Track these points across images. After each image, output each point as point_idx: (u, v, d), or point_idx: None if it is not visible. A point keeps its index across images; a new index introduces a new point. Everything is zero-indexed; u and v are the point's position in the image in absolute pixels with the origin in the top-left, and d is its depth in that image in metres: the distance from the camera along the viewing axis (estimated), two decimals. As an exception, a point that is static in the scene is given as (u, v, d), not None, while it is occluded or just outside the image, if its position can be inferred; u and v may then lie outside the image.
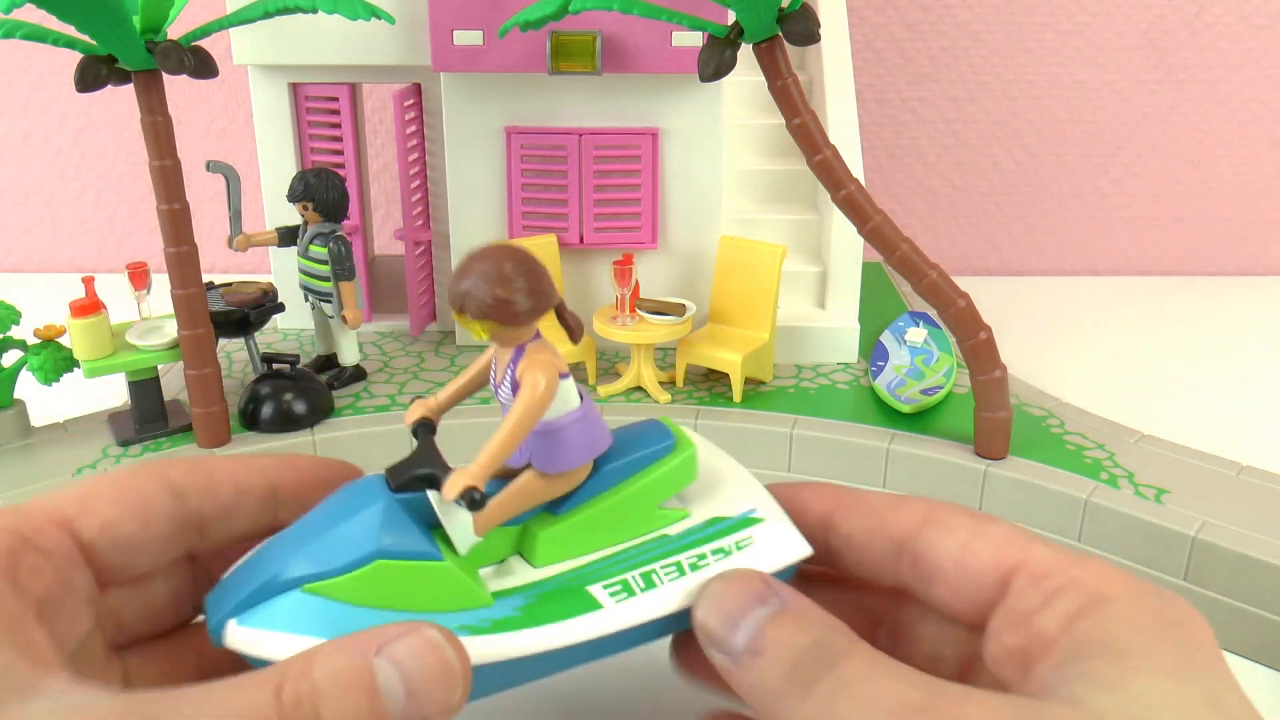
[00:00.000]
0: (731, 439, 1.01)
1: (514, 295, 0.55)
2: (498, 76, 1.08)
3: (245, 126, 1.59)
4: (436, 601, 0.58)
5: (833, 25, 1.20)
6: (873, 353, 1.12)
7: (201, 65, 0.93)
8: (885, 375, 1.06)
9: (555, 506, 0.62)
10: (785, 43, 0.86)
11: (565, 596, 0.60)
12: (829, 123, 1.15)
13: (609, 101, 1.09)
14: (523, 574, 0.61)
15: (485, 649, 0.56)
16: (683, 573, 0.60)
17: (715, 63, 0.84)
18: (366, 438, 1.02)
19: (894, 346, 1.13)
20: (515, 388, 0.58)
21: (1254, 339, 1.43)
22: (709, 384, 1.08)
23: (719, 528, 0.63)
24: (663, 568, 0.61)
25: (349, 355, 1.10)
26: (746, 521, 0.63)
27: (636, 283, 1.07)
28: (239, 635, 0.57)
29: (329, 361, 1.12)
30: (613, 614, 0.59)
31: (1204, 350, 1.39)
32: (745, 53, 1.34)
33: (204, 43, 0.92)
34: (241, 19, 0.90)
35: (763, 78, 1.32)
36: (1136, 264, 1.62)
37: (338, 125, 1.16)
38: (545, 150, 1.10)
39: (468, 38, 1.05)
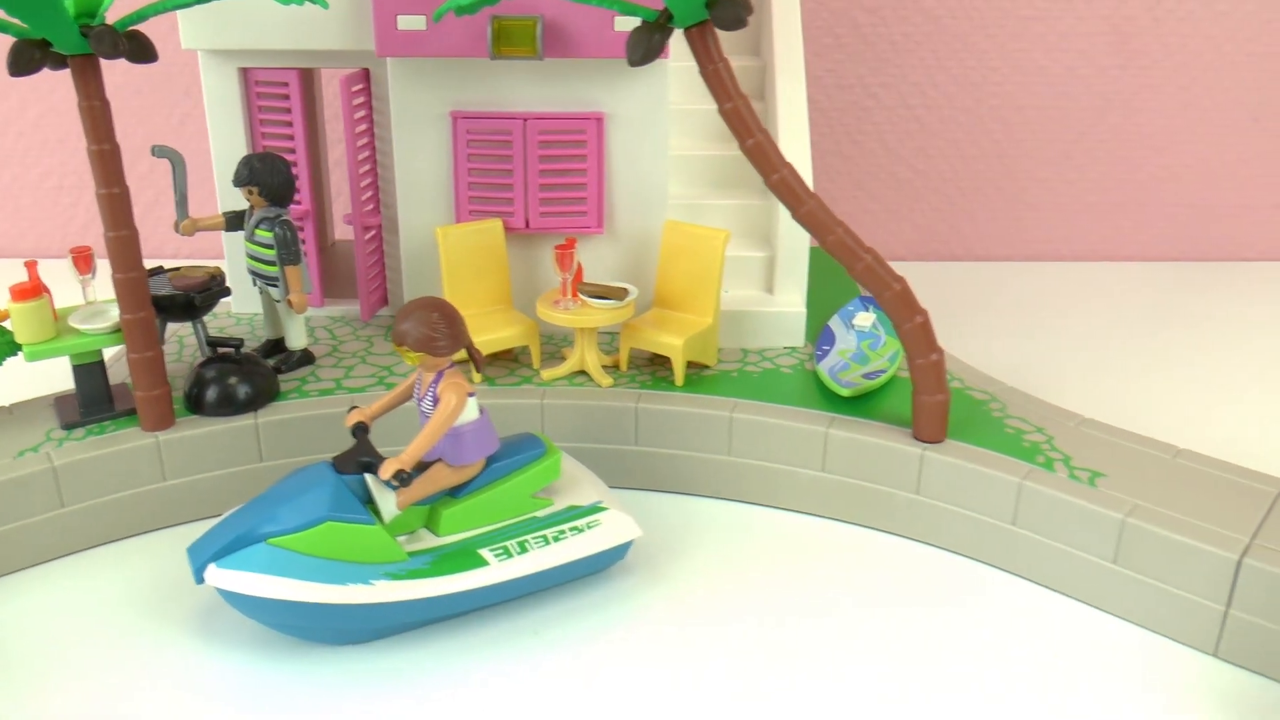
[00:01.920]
0: (672, 423, 1.02)
1: (439, 335, 0.82)
2: (444, 61, 1.09)
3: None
4: (367, 554, 0.82)
5: (785, 9, 1.20)
6: (820, 337, 1.12)
7: (139, 49, 0.93)
8: (829, 359, 1.07)
9: (456, 492, 0.87)
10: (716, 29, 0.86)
11: (461, 556, 0.85)
12: (779, 108, 1.15)
13: (554, 86, 1.09)
14: (430, 541, 0.86)
15: (402, 591, 0.82)
16: (547, 543, 0.87)
17: (643, 47, 0.84)
18: (310, 420, 1.03)
19: (841, 331, 1.13)
20: (435, 402, 0.84)
21: (1213, 324, 1.44)
22: (653, 368, 1.08)
23: (574, 513, 0.89)
24: (533, 538, 0.87)
25: (296, 339, 1.10)
26: (595, 509, 0.90)
27: (579, 267, 1.07)
28: (218, 576, 0.81)
29: (278, 345, 1.12)
30: (495, 570, 0.85)
31: (1162, 336, 1.40)
32: (677, 38, 1.34)
33: (155, 27, 0.92)
34: (176, 3, 0.90)
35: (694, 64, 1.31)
36: (1100, 250, 1.63)
37: (289, 110, 1.16)
38: (490, 135, 1.10)
39: (411, 22, 1.05)
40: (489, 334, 1.07)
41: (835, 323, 1.15)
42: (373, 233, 1.19)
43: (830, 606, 0.89)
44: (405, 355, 0.84)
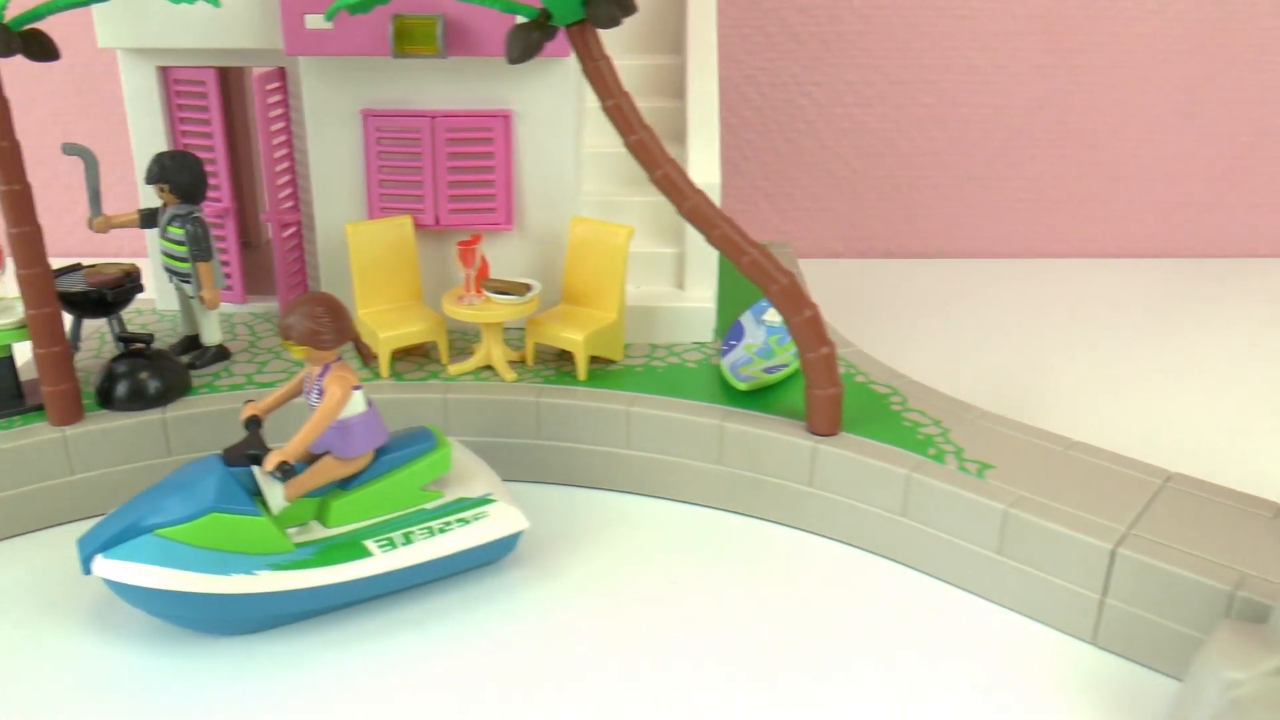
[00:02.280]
0: (572, 417, 1.03)
1: (323, 330, 0.83)
2: (355, 60, 1.09)
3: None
4: (252, 545, 0.83)
5: (701, 8, 1.21)
6: (729, 332, 1.13)
7: (39, 48, 0.94)
8: (734, 354, 1.07)
9: (346, 484, 0.88)
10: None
11: (346, 547, 0.86)
12: (690, 105, 1.16)
13: (462, 84, 1.10)
14: (319, 532, 0.87)
15: (285, 581, 0.83)
16: (432, 534, 0.88)
17: (521, 45, 0.85)
18: (219, 415, 1.04)
19: (751, 326, 1.13)
20: (320, 395, 0.85)
21: (1140, 319, 1.44)
22: (560, 363, 1.09)
23: (463, 505, 0.90)
24: (419, 530, 0.88)
25: (210, 335, 1.11)
26: (484, 501, 0.91)
27: (485, 263, 1.08)
28: (104, 566, 0.82)
29: (194, 341, 1.13)
30: (379, 560, 0.86)
31: (1091, 331, 1.40)
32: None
33: (74, 27, 0.93)
34: (68, 3, 0.91)
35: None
36: (1036, 247, 1.63)
37: (207, 109, 1.17)
38: (400, 133, 1.11)
39: (318, 21, 1.05)
40: (396, 329, 1.08)
41: (747, 318, 1.16)
42: (291, 230, 1.20)
43: (718, 597, 0.90)
44: (291, 349, 0.85)
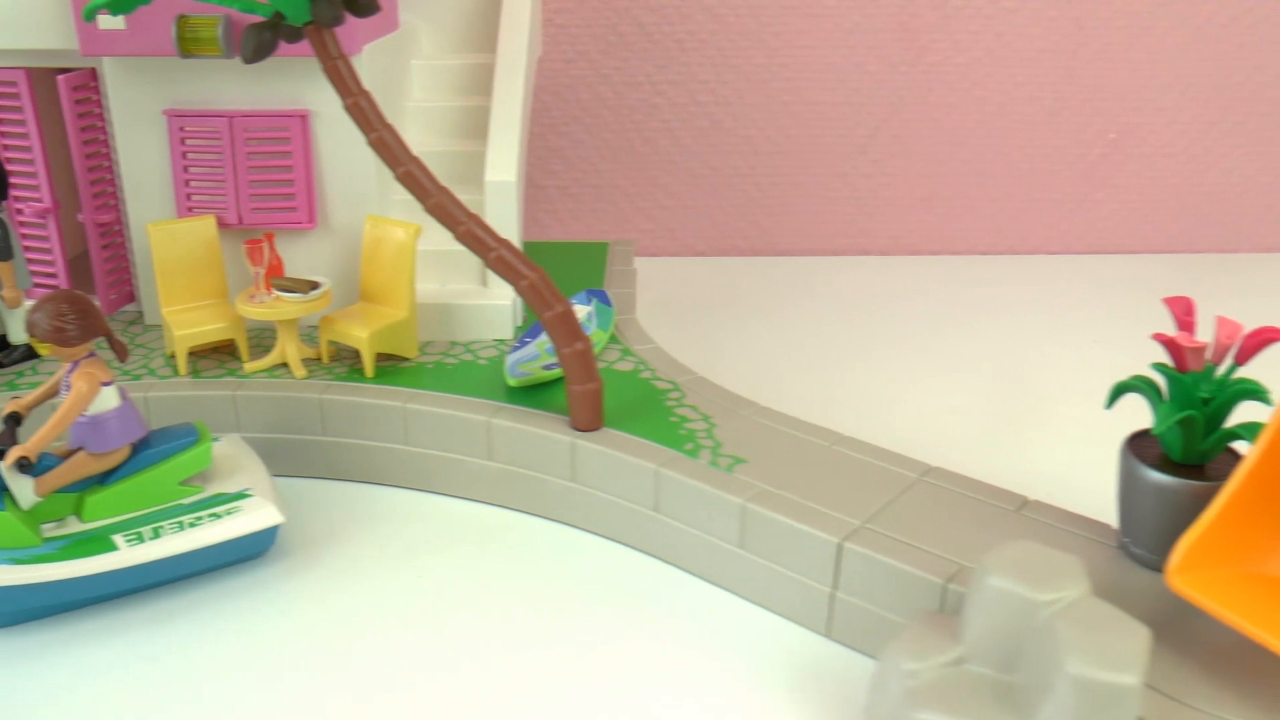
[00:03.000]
0: (355, 414, 1.03)
1: (68, 326, 0.84)
2: (159, 60, 1.10)
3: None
4: None
5: (515, 6, 1.21)
6: (530, 328, 1.13)
7: None
8: (523, 351, 1.07)
9: (104, 479, 0.90)
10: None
11: (93, 541, 0.87)
12: (495, 104, 1.17)
13: (262, 84, 1.11)
14: (74, 527, 0.89)
15: (25, 575, 0.85)
16: (182, 528, 0.90)
17: (254, 44, 0.85)
18: (10, 413, 1.05)
19: (553, 324, 1.14)
20: (69, 391, 0.86)
21: (991, 316, 1.44)
22: (355, 361, 1.10)
23: (219, 499, 0.92)
24: (169, 524, 0.89)
25: (16, 334, 1.13)
26: (240, 496, 0.93)
27: (277, 260, 1.09)
28: None
29: (3, 340, 1.14)
30: (124, 554, 0.87)
31: (929, 327, 1.40)
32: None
33: None
34: None
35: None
36: (903, 244, 1.63)
37: (21, 109, 1.18)
38: (201, 133, 1.12)
39: (111, 22, 1.07)
40: (193, 327, 1.08)
41: (575, 315, 1.16)
42: (109, 230, 1.21)
43: (477, 590, 0.90)
44: (39, 347, 0.86)
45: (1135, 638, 0.68)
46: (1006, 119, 1.56)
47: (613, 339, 1.14)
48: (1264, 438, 0.73)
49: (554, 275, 1.31)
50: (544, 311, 0.92)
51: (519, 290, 0.92)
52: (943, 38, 1.51)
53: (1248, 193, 1.65)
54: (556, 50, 1.51)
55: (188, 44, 1.04)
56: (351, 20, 1.05)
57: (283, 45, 1.09)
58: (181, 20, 1.04)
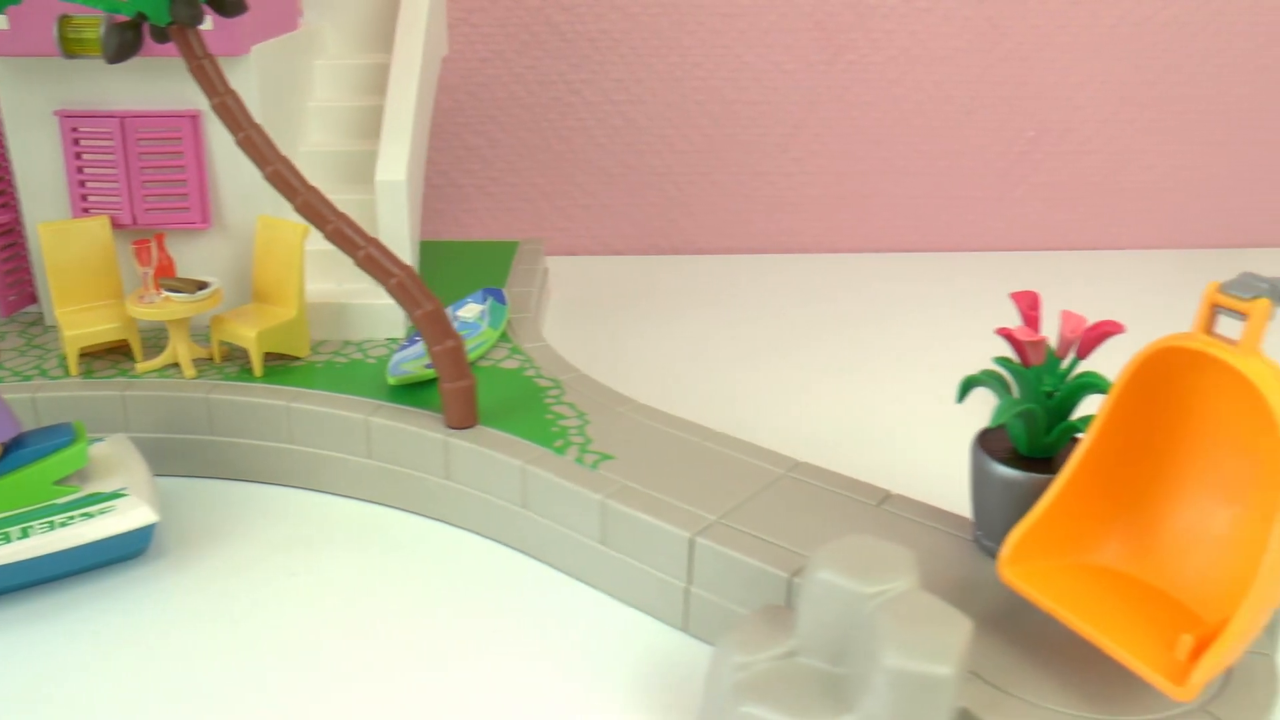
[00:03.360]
0: (240, 413, 1.04)
1: None
2: (51, 60, 1.11)
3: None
4: None
5: (413, 6, 1.22)
6: (423, 328, 1.14)
7: None
8: (411, 349, 1.08)
9: None
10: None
11: None
12: (387, 105, 1.18)
13: (154, 84, 1.11)
14: None
15: None
16: (52, 528, 0.90)
17: (116, 44, 0.86)
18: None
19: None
20: None
21: (903, 312, 1.44)
22: (247, 361, 1.10)
23: (93, 499, 0.92)
24: (39, 524, 0.90)
25: (-90, 335, 1.14)
26: (115, 495, 0.93)
27: (168, 260, 1.09)
28: None
29: (-100, 342, 1.15)
30: None
31: (832, 324, 1.40)
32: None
33: None
34: None
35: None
36: (825, 242, 1.64)
37: (-79, 111, 1.19)
38: (94, 134, 1.12)
39: (-2, 22, 1.08)
40: (83, 328, 1.09)
41: (445, 313, 1.16)
42: (7, 230, 1.22)
43: (347, 587, 0.91)
44: None
45: (955, 630, 0.69)
46: (925, 117, 1.57)
47: (504, 337, 1.16)
48: (1092, 429, 0.74)
49: (459, 274, 1.34)
50: (413, 310, 0.93)
51: (388, 289, 0.93)
52: (860, 37, 1.52)
53: (1166, 189, 1.66)
54: (470, 50, 1.52)
55: (70, 44, 1.05)
56: (236, 21, 1.06)
57: (171, 46, 1.10)
58: (63, 20, 1.04)
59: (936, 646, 0.68)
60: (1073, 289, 1.53)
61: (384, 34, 1.30)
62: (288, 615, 0.88)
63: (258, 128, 0.90)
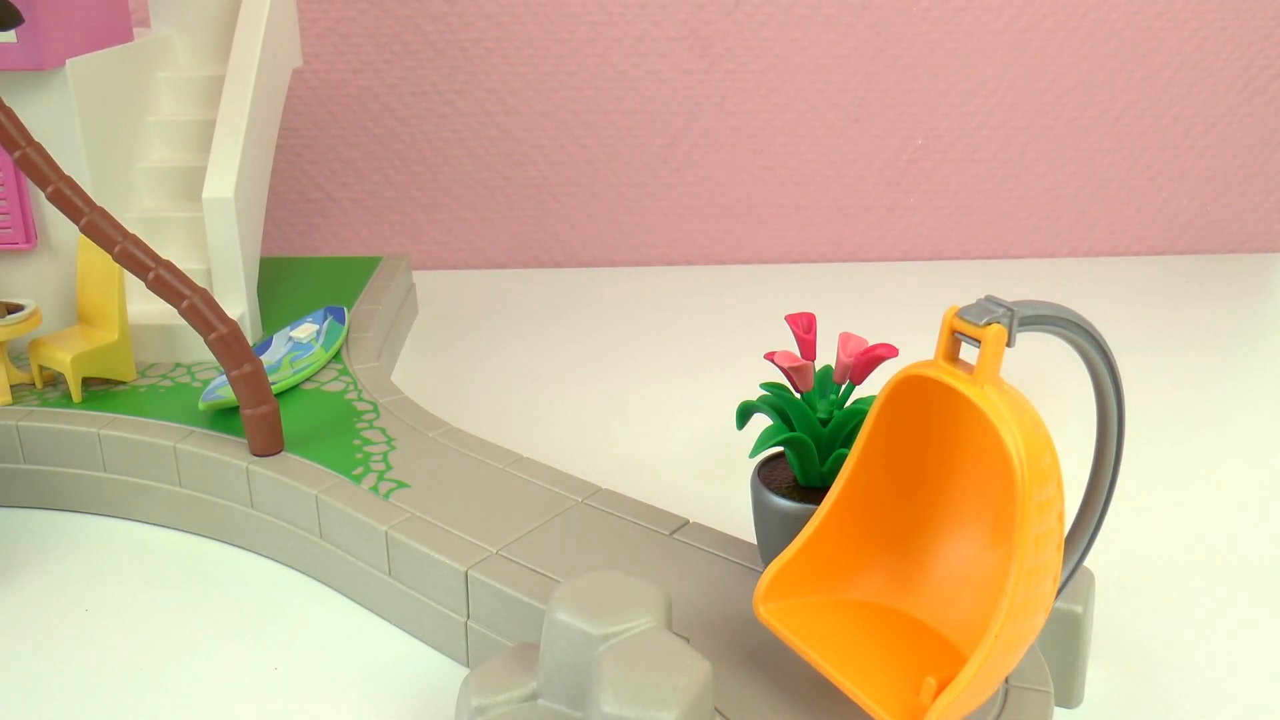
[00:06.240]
0: (53, 440, 1.02)
1: None
2: None
3: None
4: None
5: (251, 17, 1.20)
6: (256, 348, 1.12)
7: None
8: (232, 373, 1.06)
9: None
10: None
11: None
12: (220, 117, 1.16)
13: (-27, 103, 1.09)
14: None
15: None
16: None
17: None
18: None
19: (279, 342, 1.12)
20: None
21: (774, 325, 1.42)
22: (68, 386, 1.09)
23: None
24: None
25: None
26: None
27: (-17, 284, 1.08)
28: None
29: None
30: None
31: (704, 337, 1.38)
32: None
33: None
34: None
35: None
36: (710, 253, 1.61)
37: None
38: (-88, 153, 1.10)
39: None
40: (-99, 352, 1.07)
41: (280, 333, 1.15)
42: None
43: (142, 619, 0.89)
44: None
45: (686, 673, 0.66)
46: (809, 125, 1.55)
47: (336, 358, 1.14)
48: (849, 462, 0.72)
49: (314, 291, 1.32)
50: (207, 333, 0.91)
51: (181, 312, 0.91)
52: (736, 44, 1.50)
53: (1060, 197, 1.64)
54: (342, 60, 1.49)
55: (-123, 64, 1.03)
56: (45, 30, 1.04)
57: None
58: None
59: (659, 692, 0.65)
60: (969, 299, 1.51)
61: (222, 46, 1.29)
62: (73, 654, 0.85)
63: (38, 146, 0.88)
